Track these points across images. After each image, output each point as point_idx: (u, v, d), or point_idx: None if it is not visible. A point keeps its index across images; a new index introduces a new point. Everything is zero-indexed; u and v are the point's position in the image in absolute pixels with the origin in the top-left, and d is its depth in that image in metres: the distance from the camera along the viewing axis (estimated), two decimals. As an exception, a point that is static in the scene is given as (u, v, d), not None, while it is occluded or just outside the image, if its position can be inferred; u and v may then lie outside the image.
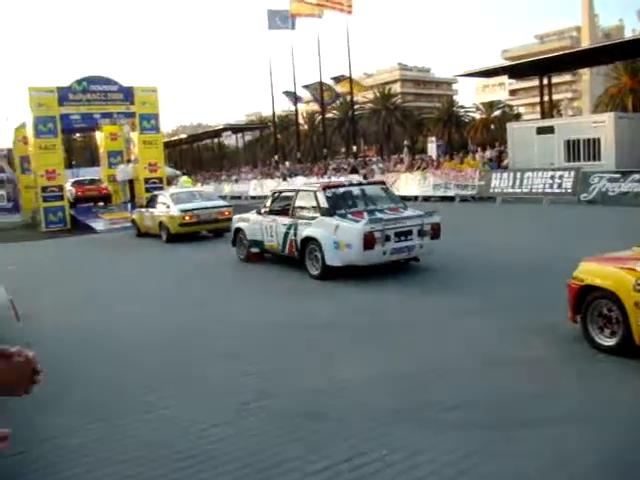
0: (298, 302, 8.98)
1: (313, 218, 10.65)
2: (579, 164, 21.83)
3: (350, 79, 39.17)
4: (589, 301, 5.86)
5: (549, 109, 34.35)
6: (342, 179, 28.91)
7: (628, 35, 63.30)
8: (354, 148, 42.64)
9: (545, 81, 31.78)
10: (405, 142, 43.92)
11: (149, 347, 6.98)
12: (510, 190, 22.05)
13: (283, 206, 11.85)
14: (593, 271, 5.90)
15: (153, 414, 5.01)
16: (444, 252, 11.02)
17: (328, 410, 4.83)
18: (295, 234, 10.92)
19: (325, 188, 10.80)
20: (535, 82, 32.63)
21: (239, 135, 64.40)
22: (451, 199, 24.06)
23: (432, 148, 37.37)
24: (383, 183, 12.94)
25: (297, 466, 3.97)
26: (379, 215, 10.23)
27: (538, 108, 34.19)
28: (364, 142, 74.82)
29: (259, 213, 12.40)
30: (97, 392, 5.60)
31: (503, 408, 4.67)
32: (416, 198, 25.45)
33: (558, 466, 3.80)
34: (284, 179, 35.14)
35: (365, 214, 10.19)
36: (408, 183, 26.33)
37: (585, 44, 61.39)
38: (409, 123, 71.73)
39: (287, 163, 47.96)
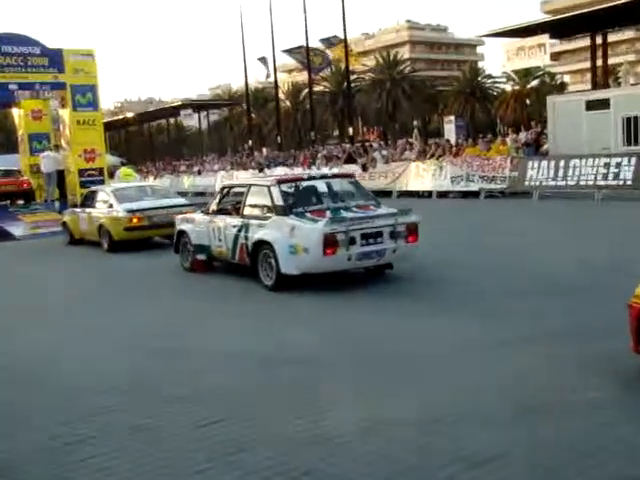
0: (261, 325, 8.96)
1: (266, 218, 11.11)
2: (642, 148, 21.92)
3: (345, 41, 39.25)
4: None
5: (603, 77, 34.32)
6: (334, 170, 28.99)
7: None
8: (350, 130, 42.71)
9: (599, 40, 31.68)
10: (415, 122, 44.14)
11: (75, 389, 6.80)
12: (551, 183, 22.03)
13: (233, 204, 12.35)
14: None
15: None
16: (456, 262, 11.03)
17: (324, 467, 4.74)
18: (246, 237, 11.35)
19: (280, 182, 11.31)
20: (586, 42, 32.53)
21: (202, 114, 64.35)
22: (475, 195, 24.04)
23: (450, 130, 37.45)
24: (352, 176, 13.55)
25: None
26: (344, 214, 10.67)
27: (589, 76, 34.21)
28: (363, 123, 75.06)
29: (205, 213, 12.93)
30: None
31: (549, 471, 4.54)
32: (429, 194, 25.42)
33: None
34: (260, 170, 35.10)
35: (327, 213, 10.65)
36: (420, 175, 26.34)
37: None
38: (420, 98, 71.94)
39: (264, 150, 47.94)
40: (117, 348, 8.32)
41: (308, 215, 10.61)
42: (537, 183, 22.42)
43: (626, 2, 26.03)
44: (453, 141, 31.50)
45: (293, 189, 11.23)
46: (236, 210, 12.05)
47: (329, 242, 10.00)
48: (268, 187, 11.30)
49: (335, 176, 13.36)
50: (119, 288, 12.65)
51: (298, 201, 10.97)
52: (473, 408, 5.65)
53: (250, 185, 12.17)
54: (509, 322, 8.24)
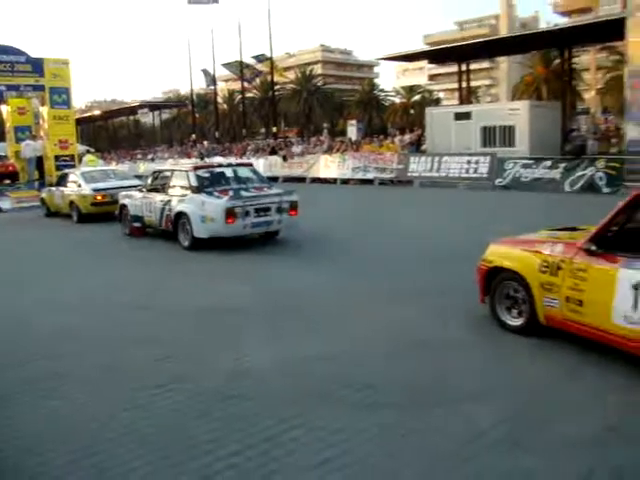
0: (191, 280, 9.00)
1: (185, 195, 11.73)
2: (494, 150, 22.51)
3: (271, 58, 38.88)
4: (497, 283, 6.08)
5: (467, 95, 35.10)
6: (261, 160, 28.94)
7: (542, 26, 65.41)
8: (274, 129, 42.45)
9: (464, 67, 32.41)
10: (325, 124, 44.07)
11: (53, 332, 6.74)
12: (428, 174, 22.53)
13: (161, 184, 12.80)
14: (501, 253, 6.12)
15: (58, 401, 4.85)
16: (347, 234, 11.44)
17: (245, 392, 4.82)
18: (170, 210, 12.01)
19: (196, 168, 12.07)
20: (455, 68, 33.28)
21: (156, 113, 63.06)
22: (370, 182, 24.33)
23: (352, 131, 37.51)
24: (251, 165, 14.01)
25: (211, 449, 3.95)
26: (243, 193, 11.33)
27: (457, 94, 34.89)
28: (284, 123, 74.62)
29: (141, 191, 13.51)
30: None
31: (418, 388, 4.78)
32: (335, 181, 25.63)
33: (468, 441, 3.93)
34: (201, 159, 34.59)
35: (230, 192, 11.28)
36: (327, 165, 26.50)
37: (503, 32, 63.00)
38: (330, 105, 71.96)
39: (205, 143, 47.23)
40: (85, 301, 8.10)
41: (215, 194, 11.26)
42: (417, 174, 22.88)
43: (484, 41, 27.77)
44: (354, 139, 31.69)
45: (206, 174, 11.85)
46: (163, 189, 12.54)
47: (229, 214, 10.78)
48: (187, 172, 11.97)
49: (239, 165, 13.55)
50: (85, 251, 12.51)
51: (209, 183, 11.62)
52: (367, 346, 5.80)
53: (174, 170, 12.77)
54: (388, 281, 8.36)
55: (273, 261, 10.25)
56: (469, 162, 21.51)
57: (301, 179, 26.57)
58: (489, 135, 23.75)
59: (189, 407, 4.60)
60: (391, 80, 76.79)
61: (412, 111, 64.98)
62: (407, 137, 29.29)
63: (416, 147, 26.94)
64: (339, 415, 4.35)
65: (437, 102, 68.82)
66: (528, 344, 5.63)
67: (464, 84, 32.81)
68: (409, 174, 23.15)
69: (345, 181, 25.38)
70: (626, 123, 18.56)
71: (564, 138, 24.63)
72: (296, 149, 31.06)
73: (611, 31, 22.29)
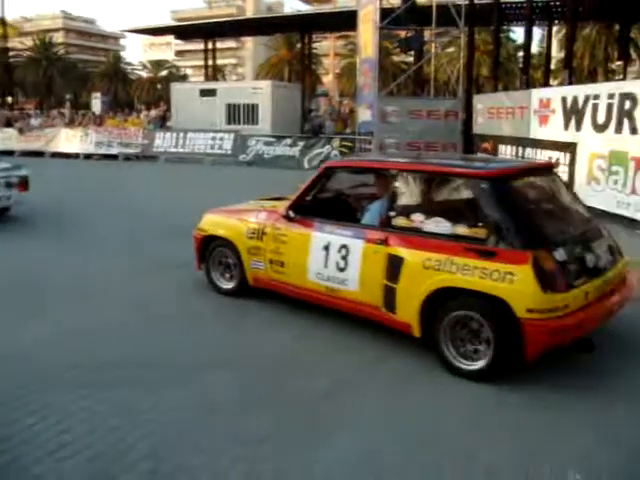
0: None
1: None
2: (239, 127, 22.99)
3: (3, 19, 35.58)
4: (211, 250, 6.51)
5: (213, 73, 35.33)
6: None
7: (287, 11, 67.81)
8: (9, 99, 39.02)
9: (210, 45, 32.58)
10: (68, 96, 41.54)
11: None
12: (173, 150, 22.31)
13: None
14: (214, 222, 6.57)
15: None
16: (93, 212, 11.06)
17: (21, 369, 4.54)
18: None
19: None
20: (202, 45, 33.26)
21: None
22: (115, 157, 23.47)
23: (96, 104, 35.81)
24: None
25: None
26: None
27: (204, 71, 34.92)
28: (22, 94, 68.86)
29: None
30: None
31: (153, 363, 4.73)
32: (77, 155, 24.36)
33: (202, 408, 4.01)
34: None
35: None
36: (69, 139, 24.98)
37: (249, 14, 64.20)
38: (72, 76, 67.68)
39: None
40: None
41: None
42: (163, 150, 22.53)
43: (230, 20, 28.07)
44: (98, 113, 30.38)
45: None
46: None
47: None
48: None
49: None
50: None
51: None
52: (113, 320, 5.66)
53: None
54: (125, 256, 8.21)
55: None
56: (214, 139, 21.70)
57: (40, 153, 24.79)
58: (234, 112, 24.15)
59: None
60: (138, 54, 74.44)
61: (159, 86, 63.77)
62: (153, 112, 28.82)
63: (161, 123, 26.58)
64: (75, 398, 4.13)
65: (184, 78, 68.22)
66: (257, 310, 5.94)
67: (210, 62, 33.02)
68: (154, 150, 22.71)
69: (88, 156, 24.18)
70: (358, 106, 19.95)
71: (304, 118, 25.96)
72: (34, 122, 28.92)
73: (346, 21, 23.94)
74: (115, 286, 6.80)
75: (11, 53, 45.88)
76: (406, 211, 4.84)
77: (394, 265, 4.76)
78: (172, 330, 5.46)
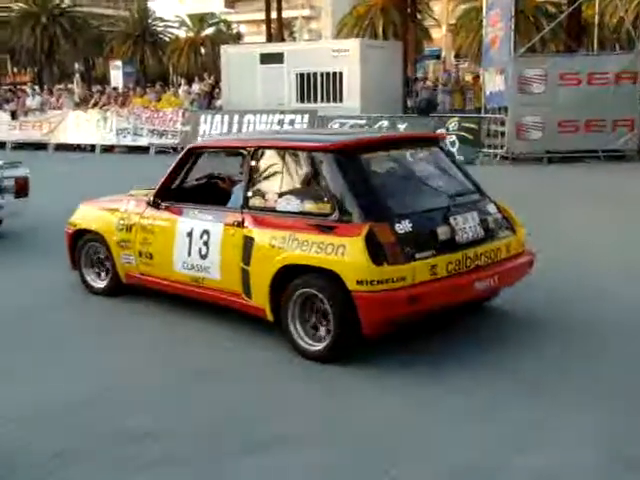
0: None
1: None
2: (315, 106, 23.24)
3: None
4: (81, 245, 7.88)
5: (279, 30, 35.65)
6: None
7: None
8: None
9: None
10: (77, 66, 43.03)
11: None
12: (225, 139, 22.70)
13: None
14: (85, 215, 8.01)
15: None
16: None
17: None
18: None
19: None
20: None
21: None
22: (145, 150, 24.11)
23: (117, 76, 37.14)
24: None
25: None
26: None
27: (264, 28, 35.42)
28: (13, 63, 71.80)
29: None
30: None
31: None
32: (93, 148, 25.03)
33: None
34: None
35: None
36: (80, 126, 25.76)
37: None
38: (83, 38, 69.87)
39: None
40: None
41: None
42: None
43: None
44: (121, 89, 31.30)
45: None
46: None
47: None
48: None
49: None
50: None
51: None
52: None
53: None
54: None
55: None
56: (281, 122, 21.98)
57: (41, 146, 25.74)
58: (308, 85, 24.26)
59: None
60: (173, 5, 76.32)
61: (203, 50, 65.18)
62: (196, 87, 29.36)
63: (208, 101, 27.05)
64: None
65: (238, 38, 69.53)
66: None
67: (274, 14, 33.38)
68: (199, 139, 23.14)
69: (107, 148, 24.93)
70: (484, 70, 19.84)
71: (407, 90, 26.00)
72: (31, 102, 29.96)
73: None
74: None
75: None
76: (262, 191, 6.31)
77: (247, 247, 6.12)
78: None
